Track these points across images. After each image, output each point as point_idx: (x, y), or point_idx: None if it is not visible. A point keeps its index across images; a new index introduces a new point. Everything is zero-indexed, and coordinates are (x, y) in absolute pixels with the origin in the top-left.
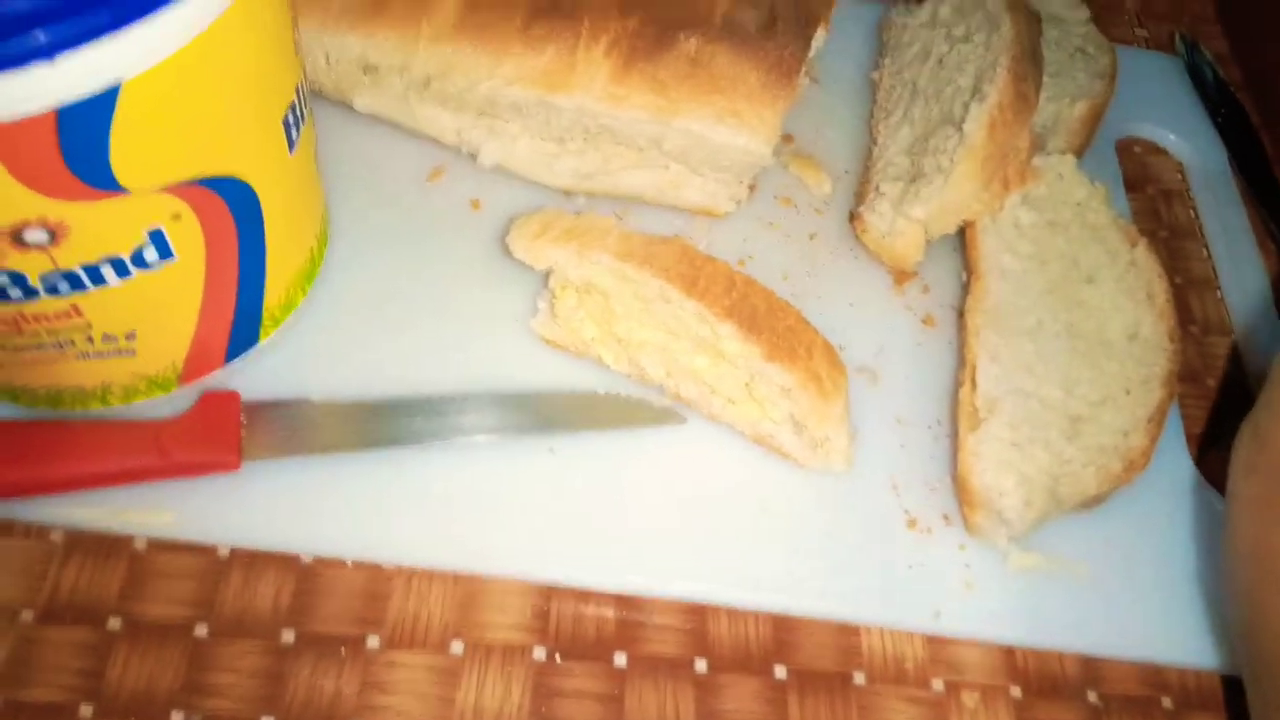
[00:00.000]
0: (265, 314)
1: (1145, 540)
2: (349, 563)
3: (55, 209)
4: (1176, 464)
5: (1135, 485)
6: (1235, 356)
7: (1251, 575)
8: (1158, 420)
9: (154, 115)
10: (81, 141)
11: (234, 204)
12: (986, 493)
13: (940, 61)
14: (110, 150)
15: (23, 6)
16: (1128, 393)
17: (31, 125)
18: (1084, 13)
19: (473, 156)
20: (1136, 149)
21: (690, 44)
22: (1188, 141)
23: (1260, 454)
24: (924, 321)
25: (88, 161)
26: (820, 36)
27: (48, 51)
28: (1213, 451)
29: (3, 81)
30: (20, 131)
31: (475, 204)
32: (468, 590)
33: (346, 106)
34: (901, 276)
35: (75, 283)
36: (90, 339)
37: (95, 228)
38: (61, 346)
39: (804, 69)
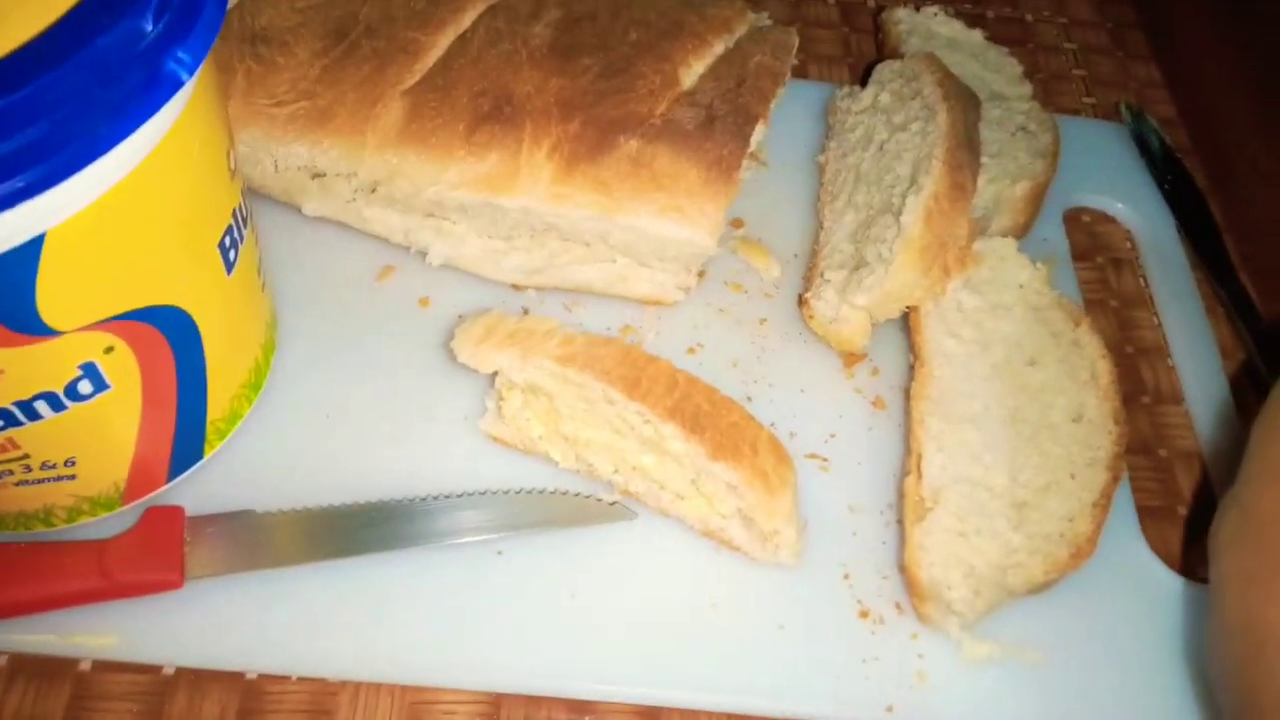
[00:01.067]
0: (209, 428)
1: (1099, 623)
2: (293, 678)
3: None
4: (1127, 542)
5: (1090, 565)
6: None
7: (1241, 653)
8: (1103, 504)
9: (81, 258)
10: (6, 291)
11: (169, 331)
12: (934, 586)
13: (881, 148)
14: (37, 296)
15: None
16: (1073, 477)
17: None
18: (1026, 89)
19: (422, 255)
20: (1085, 218)
21: (631, 145)
22: (1136, 210)
23: (1244, 527)
24: (874, 404)
25: (13, 309)
26: (760, 131)
27: None
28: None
29: None
30: None
31: (424, 302)
32: (416, 700)
33: (295, 209)
34: (850, 359)
35: (9, 419)
36: (28, 468)
37: (26, 368)
38: (0, 476)
39: (744, 163)
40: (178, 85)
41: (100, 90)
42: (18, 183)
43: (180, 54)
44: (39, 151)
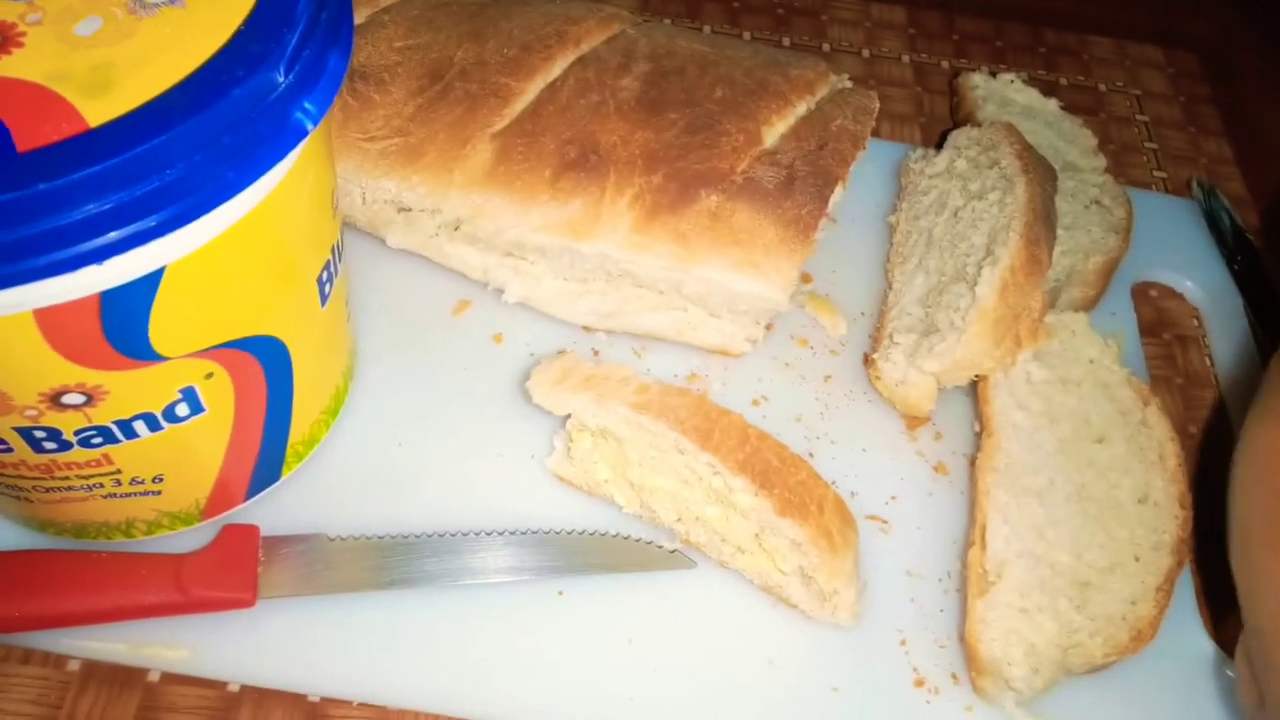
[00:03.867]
0: (289, 451)
1: (1152, 708)
2: (355, 703)
3: (93, 377)
4: (1187, 630)
5: (1145, 650)
6: None
7: None
8: (1166, 589)
9: (195, 291)
10: (122, 320)
11: (265, 359)
12: (995, 662)
13: (955, 214)
14: (150, 325)
15: (78, 218)
16: (1137, 559)
17: (75, 307)
18: (1100, 162)
19: (498, 293)
20: (1153, 293)
21: (712, 200)
22: (1204, 288)
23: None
24: (936, 469)
25: (128, 336)
26: (838, 193)
27: (98, 257)
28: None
29: (52, 280)
30: (64, 312)
31: (498, 338)
32: None
33: (379, 239)
34: (914, 422)
35: (108, 437)
36: (118, 482)
37: (131, 391)
38: (90, 489)
39: (821, 224)
40: (303, 135)
41: (231, 138)
42: (150, 222)
43: (307, 104)
44: (171, 194)
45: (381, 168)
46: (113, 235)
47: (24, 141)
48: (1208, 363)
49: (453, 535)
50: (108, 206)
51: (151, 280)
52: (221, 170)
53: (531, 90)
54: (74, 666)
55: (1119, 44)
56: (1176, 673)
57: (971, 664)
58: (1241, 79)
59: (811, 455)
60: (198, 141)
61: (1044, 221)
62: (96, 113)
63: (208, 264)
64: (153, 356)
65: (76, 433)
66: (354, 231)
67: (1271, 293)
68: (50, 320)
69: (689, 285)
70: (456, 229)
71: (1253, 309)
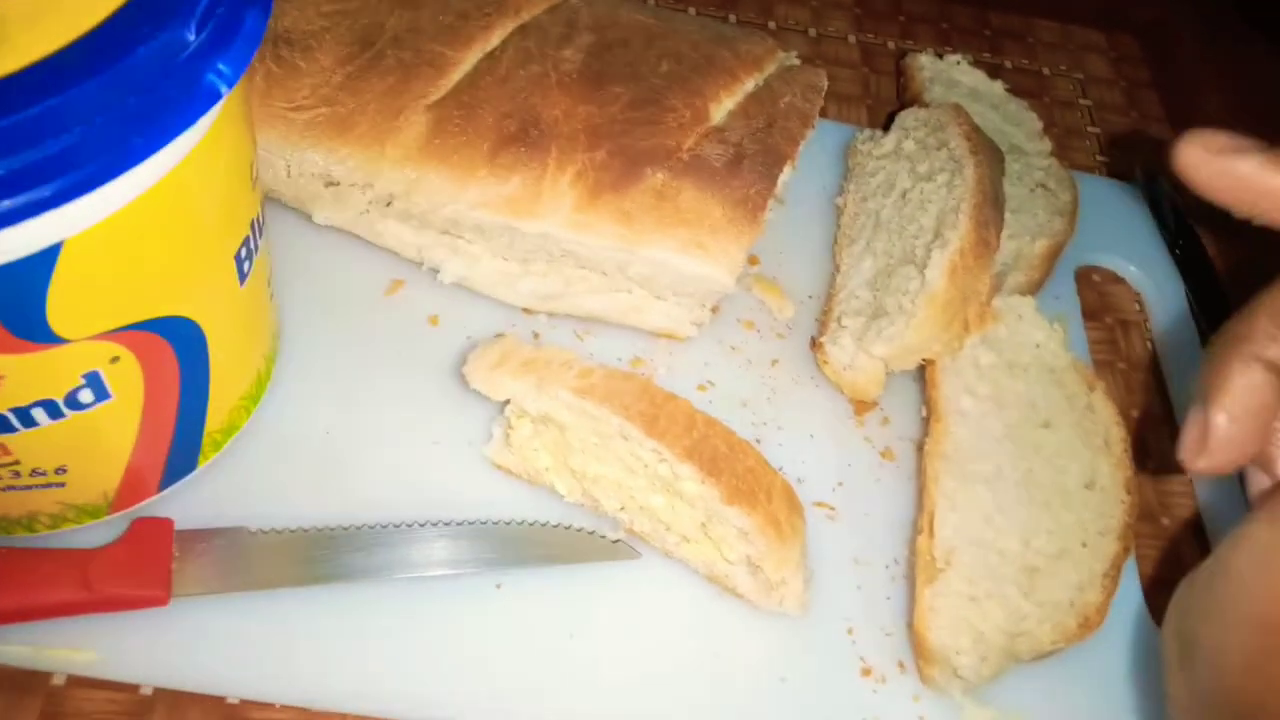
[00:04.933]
0: (205, 440)
1: (1103, 693)
2: (277, 705)
3: None
4: (1133, 614)
5: (1092, 637)
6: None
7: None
8: (1113, 575)
9: (97, 268)
10: (16, 298)
11: (177, 342)
12: (943, 650)
13: (904, 196)
14: (48, 304)
15: None
16: (1084, 545)
17: None
18: (1046, 145)
19: (433, 272)
20: (1096, 277)
21: (657, 178)
22: (1146, 273)
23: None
24: (883, 454)
25: (23, 317)
26: (786, 172)
27: None
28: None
29: None
30: None
31: (433, 320)
32: None
33: (305, 216)
34: (862, 407)
35: (4, 425)
36: (17, 474)
37: (28, 376)
38: None
39: (770, 204)
40: (216, 98)
41: (136, 100)
42: (43, 191)
43: (220, 65)
44: (68, 161)
45: (308, 139)
46: (2, 204)
47: None
48: (1149, 346)
49: (384, 527)
50: None
51: (48, 256)
52: (125, 135)
53: (469, 60)
54: None
55: (1063, 27)
56: (1123, 659)
57: (919, 652)
58: (1181, 63)
59: (759, 441)
60: (98, 103)
61: (993, 204)
62: None
63: (111, 239)
64: (51, 339)
65: None
66: (278, 207)
67: (1212, 277)
68: None
69: (634, 267)
70: (389, 205)
71: (1194, 293)
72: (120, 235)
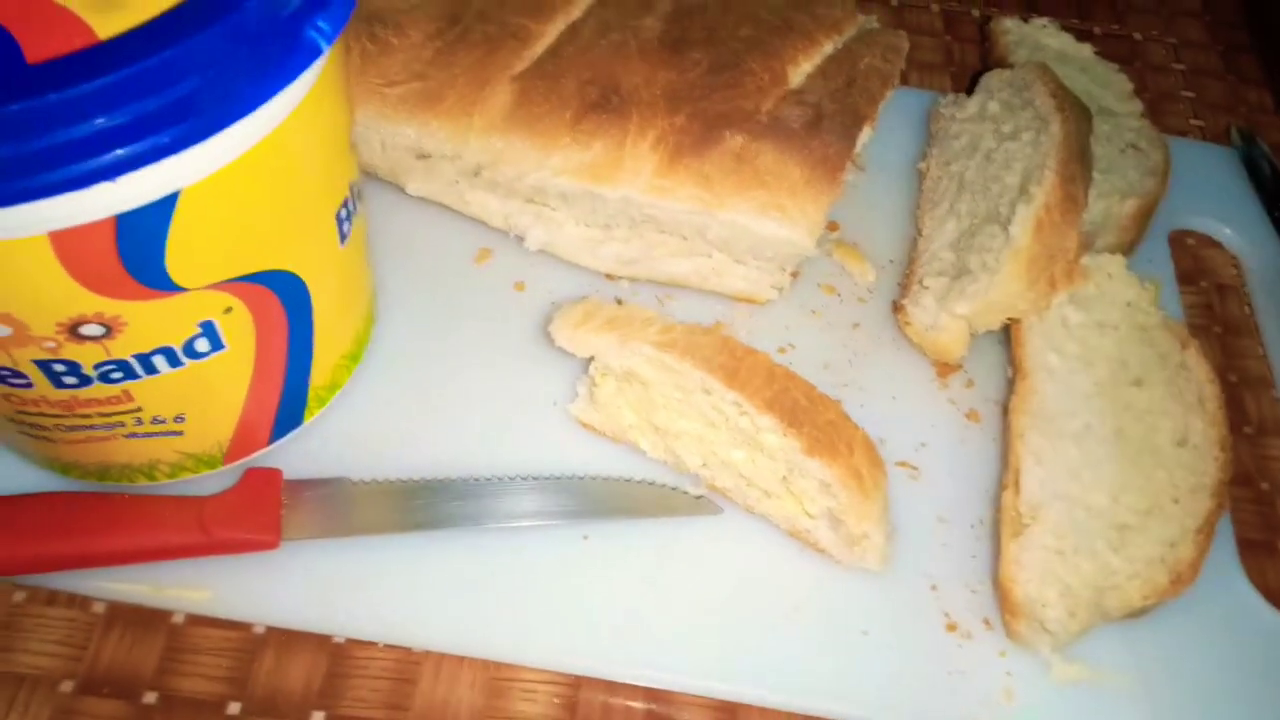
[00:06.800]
0: (311, 395)
1: (1193, 654)
2: (380, 645)
3: (111, 306)
4: (1225, 574)
5: (1185, 595)
6: None
7: None
8: (1206, 532)
9: (210, 219)
10: (139, 245)
11: (285, 296)
12: (1029, 603)
13: (988, 156)
14: (166, 252)
15: (89, 131)
16: (1176, 502)
17: (90, 230)
18: (1137, 106)
19: (519, 240)
20: (1190, 241)
21: (736, 140)
22: (1243, 236)
23: None
24: (967, 416)
25: (144, 263)
26: (866, 133)
27: (111, 173)
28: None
29: (66, 198)
30: (80, 236)
31: (520, 285)
32: (496, 677)
33: (399, 188)
34: (945, 369)
35: (128, 371)
36: (140, 421)
37: (149, 322)
38: (111, 428)
39: (849, 165)
40: (316, 53)
41: (245, 54)
42: (163, 138)
43: (320, 22)
44: (184, 109)
45: (400, 113)
46: (126, 150)
47: (34, 53)
48: (1247, 310)
49: (477, 480)
50: (120, 120)
51: (167, 204)
52: (236, 85)
53: (551, 31)
54: (99, 609)
55: None
56: (1215, 618)
57: (1005, 606)
58: None
59: (840, 403)
60: (211, 55)
61: (1080, 160)
62: (107, 26)
63: (223, 190)
64: (170, 287)
65: (96, 366)
66: (374, 181)
67: None
68: (67, 244)
69: (714, 230)
70: (476, 175)
71: None
72: (231, 187)
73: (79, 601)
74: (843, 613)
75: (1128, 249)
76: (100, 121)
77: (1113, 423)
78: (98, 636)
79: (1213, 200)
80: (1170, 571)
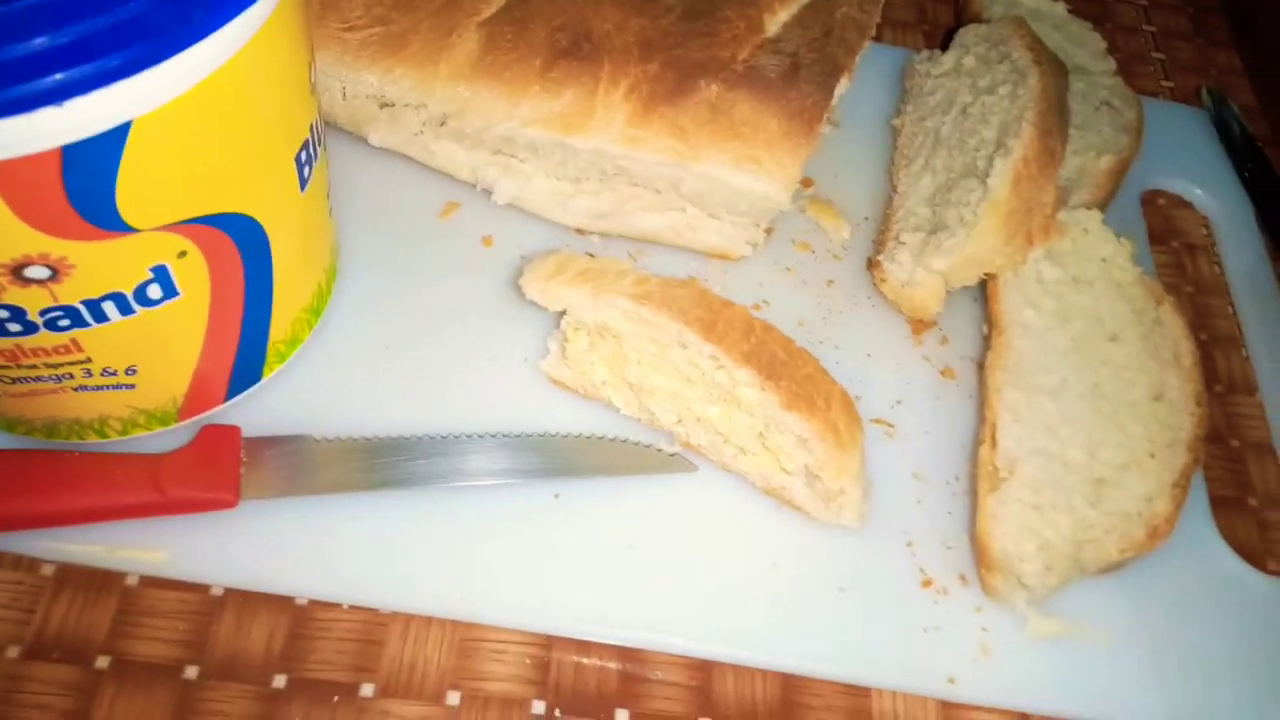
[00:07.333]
0: (270, 350)
1: (1169, 607)
2: (344, 606)
3: (58, 247)
4: (1198, 529)
5: (1159, 550)
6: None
7: None
8: (1182, 486)
9: (163, 154)
10: (87, 180)
11: (242, 242)
12: (1006, 557)
13: (964, 111)
14: (117, 189)
15: (32, 50)
16: (1152, 456)
17: (35, 163)
18: (1110, 64)
19: (487, 193)
20: (1161, 202)
21: (711, 90)
22: (1213, 196)
23: None
24: (942, 373)
25: (93, 201)
26: (843, 84)
27: (57, 96)
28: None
29: (7, 124)
30: (23, 168)
31: (487, 241)
32: (466, 637)
33: (361, 139)
34: (920, 326)
35: (76, 319)
36: (89, 373)
37: (98, 265)
38: (59, 380)
39: (826, 117)
40: None
41: None
42: (113, 60)
43: None
44: (134, 30)
45: (363, 59)
46: (72, 72)
47: None
48: (1217, 270)
49: (443, 437)
50: (65, 39)
51: (117, 136)
52: (189, 7)
53: None
54: (48, 570)
55: None
56: (1189, 572)
57: (982, 561)
58: None
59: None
60: None
61: (1057, 113)
62: None
63: (177, 123)
64: (121, 226)
65: (42, 313)
66: (336, 132)
67: None
68: (9, 177)
69: (687, 183)
70: (442, 125)
71: (1263, 217)
72: (185, 120)
73: (26, 563)
74: (818, 570)
75: (1101, 206)
76: (42, 41)
77: (1089, 378)
78: (46, 600)
79: (1184, 161)
80: (1147, 525)
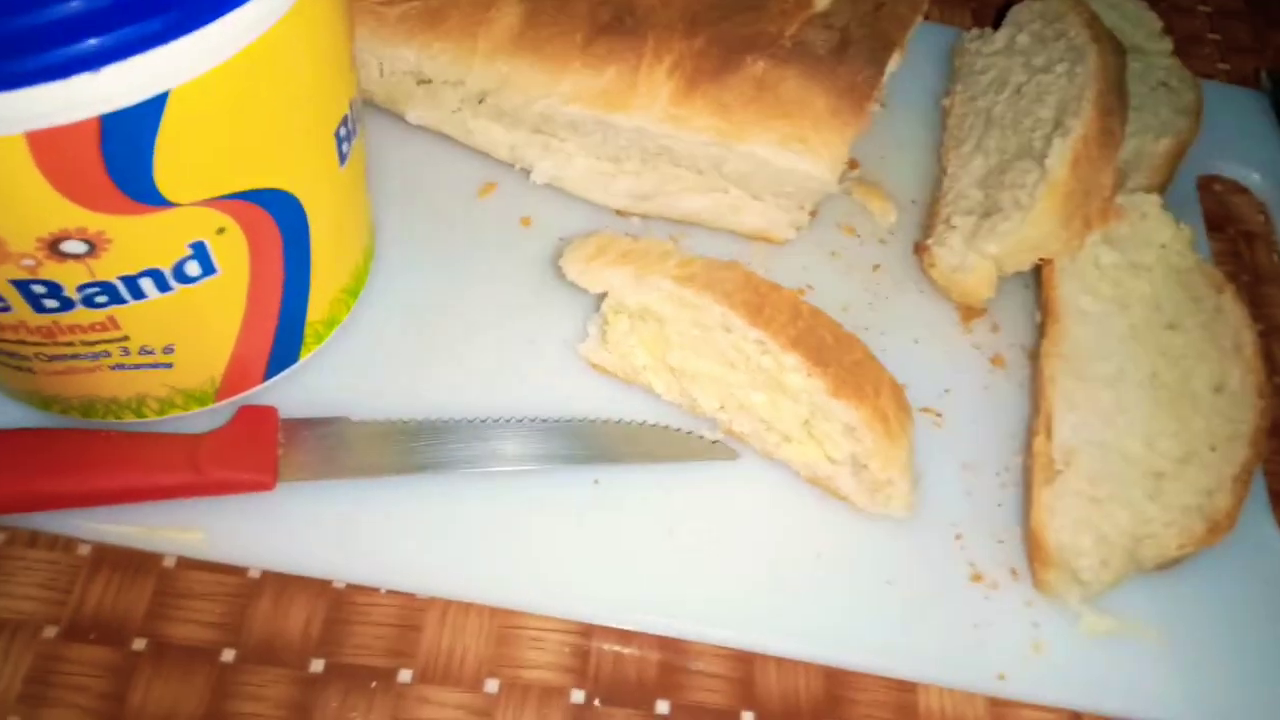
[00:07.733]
0: (308, 330)
1: (1225, 606)
2: (383, 591)
3: (95, 221)
4: (1258, 525)
5: (1216, 546)
6: None
7: None
8: (1244, 480)
9: (202, 126)
10: (125, 152)
11: (281, 218)
12: (1062, 551)
13: (1018, 91)
14: (155, 162)
15: (68, 13)
16: (1213, 449)
17: (73, 132)
18: (1167, 45)
19: (526, 173)
20: (1218, 187)
21: (757, 66)
22: (1272, 182)
23: None
24: (993, 361)
25: (131, 173)
26: (895, 61)
27: (94, 62)
28: None
29: (44, 90)
30: (61, 139)
31: (526, 221)
32: (504, 624)
33: (398, 117)
34: (969, 313)
35: (113, 295)
36: (126, 351)
37: (136, 241)
38: (96, 357)
39: (876, 95)
40: None
41: None
42: (151, 24)
43: None
44: None
45: (400, 35)
46: (109, 37)
47: None
48: (1275, 258)
49: (482, 421)
50: (102, 3)
51: (155, 106)
52: None
53: None
54: (84, 550)
55: None
56: (1246, 569)
57: (1035, 555)
58: None
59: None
60: None
61: (1116, 92)
62: None
63: (215, 95)
64: (159, 201)
65: (79, 289)
66: (372, 110)
67: None
68: (46, 147)
69: (731, 163)
70: (481, 102)
71: None
72: (224, 91)
73: (63, 543)
74: (865, 562)
75: (1158, 191)
76: (77, 4)
77: (1147, 367)
78: (83, 580)
79: (1241, 145)
80: (1207, 520)
